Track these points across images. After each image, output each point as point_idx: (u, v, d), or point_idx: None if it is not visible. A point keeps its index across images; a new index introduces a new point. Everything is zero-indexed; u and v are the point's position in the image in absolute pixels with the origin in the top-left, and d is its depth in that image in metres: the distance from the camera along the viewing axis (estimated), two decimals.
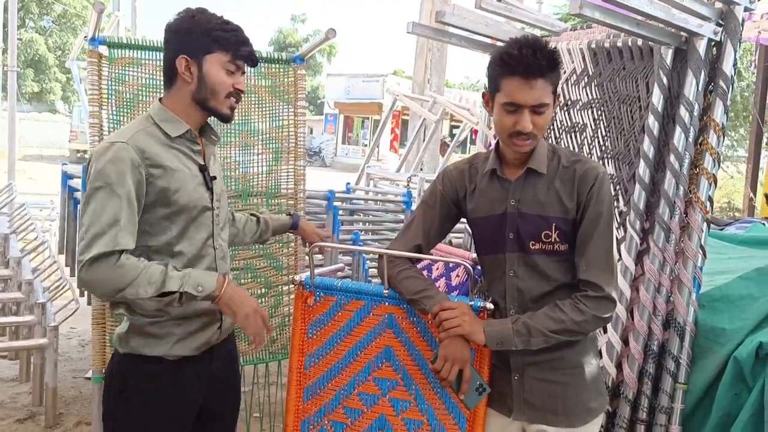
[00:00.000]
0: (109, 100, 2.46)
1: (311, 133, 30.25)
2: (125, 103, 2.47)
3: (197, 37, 1.72)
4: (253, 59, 1.81)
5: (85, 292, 3.74)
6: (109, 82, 2.45)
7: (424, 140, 8.01)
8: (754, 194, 7.82)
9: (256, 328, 1.71)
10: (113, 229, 1.58)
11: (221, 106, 1.75)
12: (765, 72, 7.98)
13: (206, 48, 1.72)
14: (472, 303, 1.72)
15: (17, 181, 8.50)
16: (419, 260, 1.92)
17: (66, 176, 4.33)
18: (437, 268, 2.38)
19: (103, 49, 2.46)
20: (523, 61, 1.58)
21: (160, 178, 1.68)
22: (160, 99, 1.79)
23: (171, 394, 1.77)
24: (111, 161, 1.62)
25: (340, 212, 4.30)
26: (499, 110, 1.65)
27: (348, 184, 5.34)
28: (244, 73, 1.81)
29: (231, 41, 1.73)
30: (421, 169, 7.65)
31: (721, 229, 3.73)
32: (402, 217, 4.70)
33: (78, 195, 3.83)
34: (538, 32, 2.95)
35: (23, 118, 25.18)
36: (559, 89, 1.73)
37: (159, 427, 1.77)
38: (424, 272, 2.33)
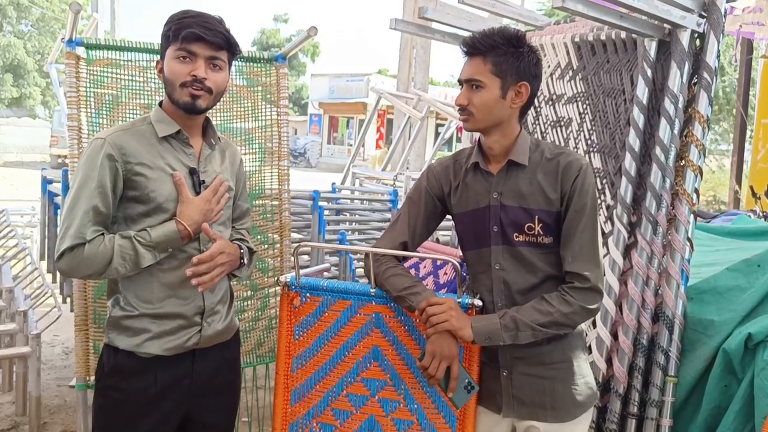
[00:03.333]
0: (88, 102, 2.41)
1: (296, 133, 30.11)
2: (105, 105, 2.42)
3: (162, 40, 1.74)
4: (204, 38, 1.66)
5: (68, 299, 3.68)
6: (88, 84, 2.40)
7: (409, 138, 8.00)
8: (740, 187, 7.87)
9: (206, 215, 1.72)
10: (82, 222, 1.64)
11: (179, 96, 1.70)
12: (747, 65, 8.05)
13: (165, 46, 1.73)
14: (460, 300, 1.70)
15: None
16: (406, 258, 1.90)
17: (46, 182, 4.26)
18: (425, 266, 2.36)
19: (81, 51, 2.41)
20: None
21: (138, 174, 1.69)
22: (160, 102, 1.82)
23: (144, 394, 1.73)
24: (88, 156, 1.67)
25: (326, 212, 4.27)
26: None
27: (333, 183, 5.31)
28: (214, 58, 1.71)
29: (176, 29, 1.68)
30: (407, 168, 7.64)
31: (708, 222, 3.74)
32: (388, 215, 4.68)
33: (58, 200, 3.77)
34: (522, 27, 2.94)
35: (3, 123, 24.93)
36: (542, 84, 1.73)
37: (132, 425, 1.73)
38: (412, 270, 2.31)
